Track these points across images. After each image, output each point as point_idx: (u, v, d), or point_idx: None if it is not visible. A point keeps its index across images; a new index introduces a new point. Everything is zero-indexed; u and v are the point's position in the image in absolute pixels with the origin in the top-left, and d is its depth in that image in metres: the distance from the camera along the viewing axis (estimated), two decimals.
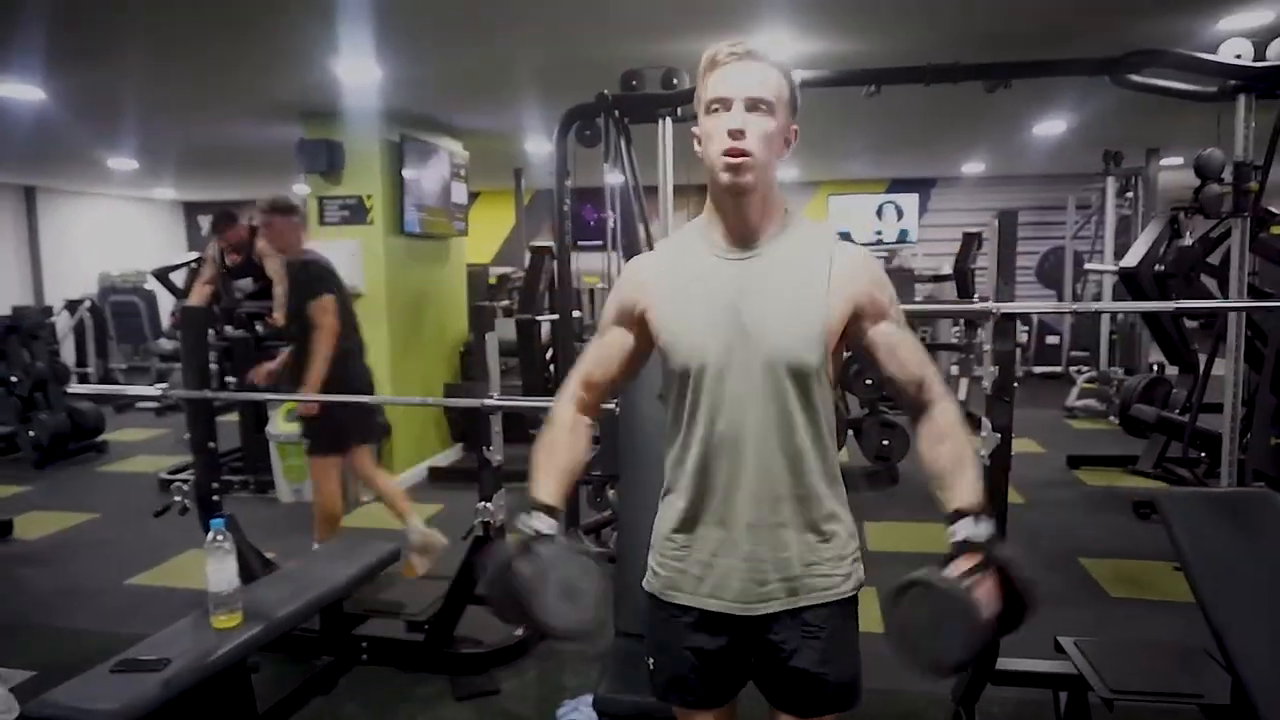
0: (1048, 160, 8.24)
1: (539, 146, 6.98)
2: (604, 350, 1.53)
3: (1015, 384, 2.15)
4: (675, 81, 3.80)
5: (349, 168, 5.15)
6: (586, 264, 8.10)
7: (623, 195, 4.20)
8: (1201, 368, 4.50)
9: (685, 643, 1.47)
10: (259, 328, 5.34)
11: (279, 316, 5.19)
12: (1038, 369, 9.43)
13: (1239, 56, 3.46)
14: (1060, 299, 9.36)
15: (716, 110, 1.33)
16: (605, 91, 3.76)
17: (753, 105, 1.32)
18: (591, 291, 9.73)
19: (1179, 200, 6.67)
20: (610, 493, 4.18)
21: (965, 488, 1.35)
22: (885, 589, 1.29)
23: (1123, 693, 2.15)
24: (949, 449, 1.38)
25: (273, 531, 4.17)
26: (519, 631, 3.15)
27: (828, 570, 1.42)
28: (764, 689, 1.51)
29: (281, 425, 5.12)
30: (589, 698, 2.74)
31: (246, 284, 5.40)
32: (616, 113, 3.83)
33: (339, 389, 3.43)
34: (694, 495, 1.42)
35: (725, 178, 1.33)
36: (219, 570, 2.25)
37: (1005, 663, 2.44)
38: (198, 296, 5.42)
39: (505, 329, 6.45)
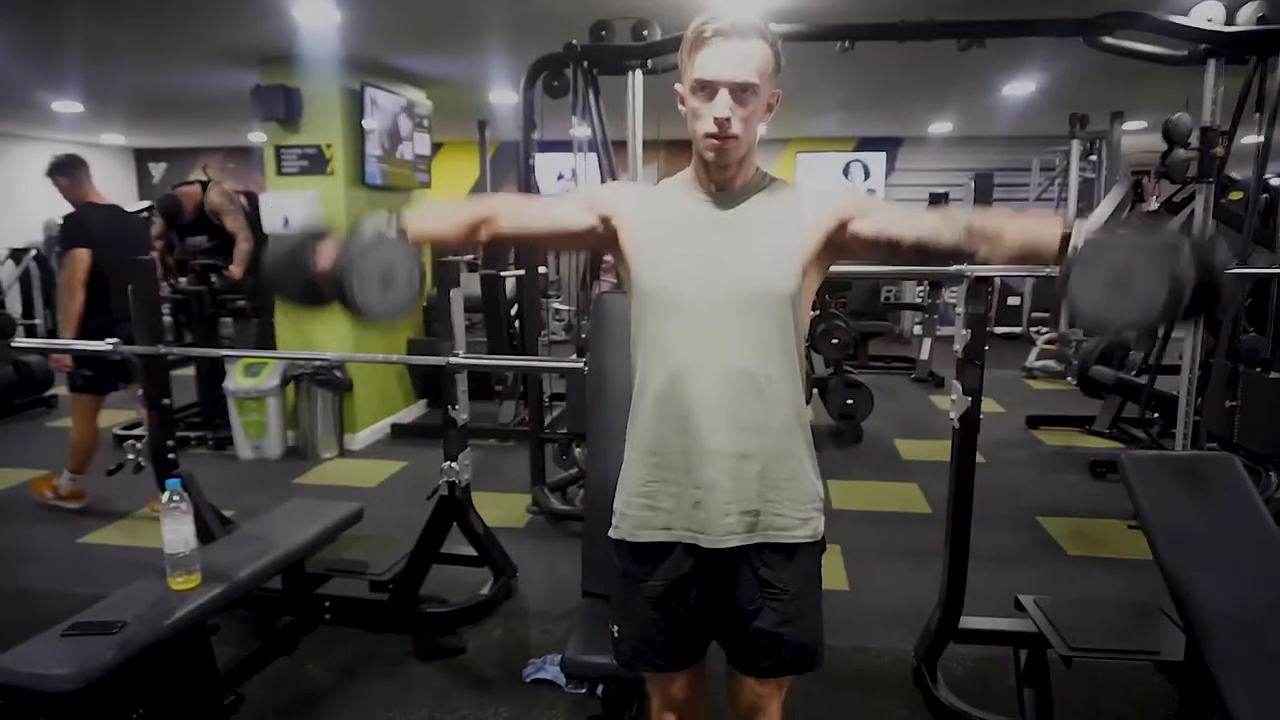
0: (1014, 122, 8.23)
1: (504, 98, 6.80)
2: (537, 205, 1.54)
3: (987, 347, 2.15)
4: (645, 33, 3.71)
5: (307, 115, 4.97)
6: None
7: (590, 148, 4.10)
8: (1161, 332, 4.56)
9: (648, 593, 1.46)
10: (214, 280, 5.18)
11: (237, 270, 5.07)
12: (998, 329, 9.56)
13: (1210, 20, 3.45)
14: None
15: (703, 93, 1.34)
16: (574, 42, 3.65)
17: (737, 91, 1.32)
18: None
19: (1139, 164, 6.72)
20: (577, 451, 4.17)
21: (1049, 221, 1.32)
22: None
23: (1081, 650, 2.19)
24: (1012, 224, 1.35)
25: (232, 489, 4.09)
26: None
27: (785, 510, 1.41)
28: (726, 648, 1.51)
29: (240, 380, 5.02)
30: (556, 656, 2.75)
31: (201, 241, 5.23)
32: (585, 64, 3.73)
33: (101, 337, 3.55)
34: (658, 421, 1.41)
35: (709, 155, 1.37)
36: (176, 531, 2.19)
37: (967, 621, 2.48)
38: None
39: (469, 284, 6.35)
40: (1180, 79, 4.30)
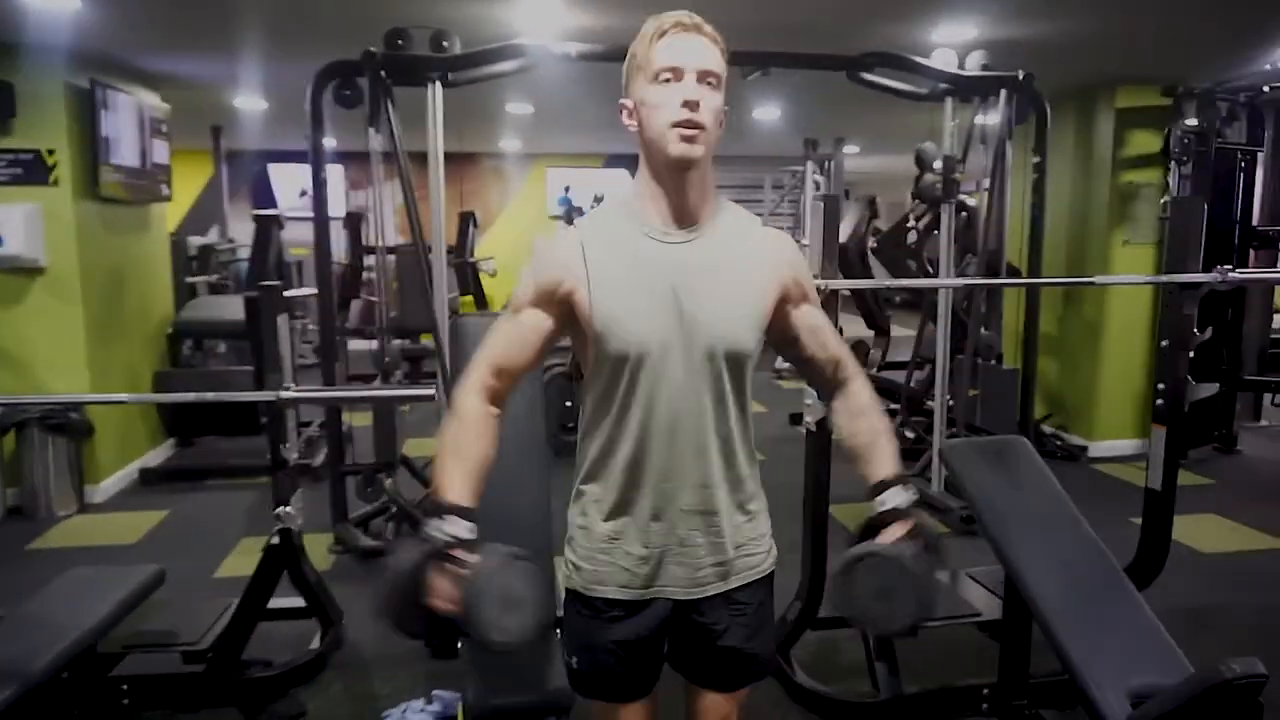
0: (754, 143, 8.97)
1: (249, 103, 6.24)
2: (518, 333, 1.40)
3: None
4: (445, 44, 3.58)
5: (23, 116, 4.18)
6: (299, 234, 7.41)
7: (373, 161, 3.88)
8: (916, 333, 5.21)
9: (611, 636, 1.43)
10: None
11: None
12: None
13: (946, 65, 4.01)
14: None
15: (667, 80, 1.28)
16: (372, 49, 3.44)
17: (703, 77, 1.28)
18: (299, 264, 8.93)
19: (849, 183, 7.53)
20: (387, 482, 3.92)
21: (886, 459, 1.44)
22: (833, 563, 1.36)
23: (923, 621, 2.45)
24: (867, 424, 1.47)
25: None
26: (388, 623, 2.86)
27: (752, 549, 1.46)
28: (686, 669, 1.52)
29: None
30: (416, 703, 2.59)
31: None
32: (382, 73, 3.52)
33: None
34: (626, 486, 1.38)
35: (678, 149, 1.28)
36: None
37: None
38: None
39: (214, 307, 5.74)
40: (890, 112, 4.95)
